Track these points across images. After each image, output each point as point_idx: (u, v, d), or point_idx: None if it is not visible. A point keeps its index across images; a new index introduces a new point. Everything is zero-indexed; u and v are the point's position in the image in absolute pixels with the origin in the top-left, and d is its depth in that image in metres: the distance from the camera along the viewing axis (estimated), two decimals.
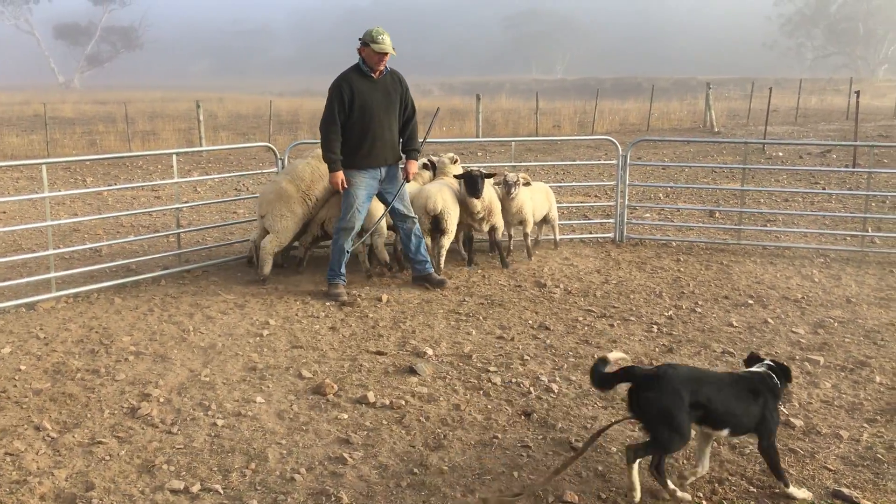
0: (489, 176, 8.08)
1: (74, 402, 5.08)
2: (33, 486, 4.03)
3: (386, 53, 7.03)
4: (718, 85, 53.90)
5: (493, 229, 8.39)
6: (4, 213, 12.11)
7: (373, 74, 7.17)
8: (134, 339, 6.25)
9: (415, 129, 7.59)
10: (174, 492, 3.99)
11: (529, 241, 8.86)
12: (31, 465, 4.24)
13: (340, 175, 7.17)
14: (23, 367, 5.65)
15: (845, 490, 3.99)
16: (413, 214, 7.64)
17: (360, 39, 7.08)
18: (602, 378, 3.93)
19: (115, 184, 15.52)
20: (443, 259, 8.02)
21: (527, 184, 8.34)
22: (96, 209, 12.40)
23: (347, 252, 7.45)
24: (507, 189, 8.22)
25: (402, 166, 7.56)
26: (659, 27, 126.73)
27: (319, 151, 7.63)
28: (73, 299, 7.32)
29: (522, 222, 8.56)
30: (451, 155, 8.62)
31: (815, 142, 21.12)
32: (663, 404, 3.74)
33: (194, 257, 8.75)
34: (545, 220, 9.16)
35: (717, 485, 4.07)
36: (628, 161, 9.50)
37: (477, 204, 7.94)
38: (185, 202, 11.85)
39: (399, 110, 7.40)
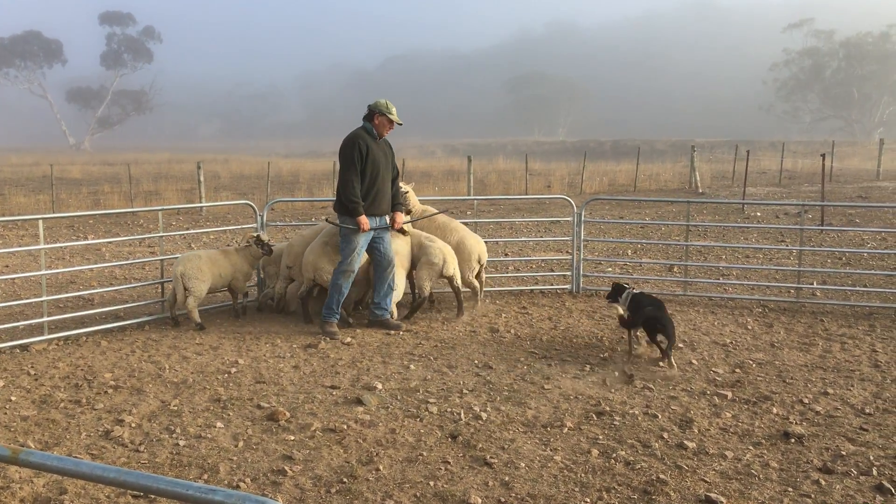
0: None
1: (56, 426, 5.76)
2: (14, 490, 4.69)
3: (397, 123, 8.17)
4: (713, 147, 55.24)
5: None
6: (7, 266, 12.88)
7: (377, 138, 8.21)
8: (115, 375, 6.93)
9: (398, 188, 8.59)
10: (135, 496, 4.65)
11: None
12: (14, 475, 4.90)
13: (365, 217, 8.05)
14: (13, 398, 6.34)
15: (713, 496, 4.62)
16: (395, 263, 8.43)
17: (370, 107, 8.14)
18: None
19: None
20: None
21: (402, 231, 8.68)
22: (93, 262, 13.18)
23: (344, 292, 8.27)
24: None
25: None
26: (660, 91, 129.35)
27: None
28: (64, 342, 8.02)
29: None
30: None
31: (759, 201, 21.94)
32: None
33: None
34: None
35: (604, 492, 4.72)
36: (583, 218, 10.26)
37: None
38: (171, 254, 12.59)
39: (391, 171, 8.39)
